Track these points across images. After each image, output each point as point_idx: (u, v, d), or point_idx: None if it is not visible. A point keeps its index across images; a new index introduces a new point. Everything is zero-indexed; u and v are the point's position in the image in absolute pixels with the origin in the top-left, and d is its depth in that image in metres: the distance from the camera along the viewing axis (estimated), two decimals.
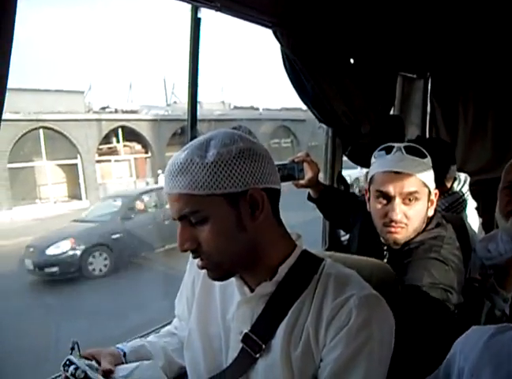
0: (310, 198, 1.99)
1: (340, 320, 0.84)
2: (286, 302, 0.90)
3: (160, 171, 17.50)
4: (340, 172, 2.46)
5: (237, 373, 0.91)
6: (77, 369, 0.86)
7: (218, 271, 0.91)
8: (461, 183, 2.13)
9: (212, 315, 1.01)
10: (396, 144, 1.45)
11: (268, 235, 0.91)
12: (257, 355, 0.89)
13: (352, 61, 2.30)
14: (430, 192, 1.45)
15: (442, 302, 1.33)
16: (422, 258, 1.40)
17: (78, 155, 16.40)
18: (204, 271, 0.93)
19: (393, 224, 1.43)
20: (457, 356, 0.90)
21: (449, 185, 2.09)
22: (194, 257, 0.91)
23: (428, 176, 1.44)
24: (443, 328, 1.32)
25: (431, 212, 1.48)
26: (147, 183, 17.63)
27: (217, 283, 0.99)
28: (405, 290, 1.29)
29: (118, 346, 1.06)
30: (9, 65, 0.84)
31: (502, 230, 1.57)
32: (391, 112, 2.85)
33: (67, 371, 0.87)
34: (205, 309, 1.02)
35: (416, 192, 1.40)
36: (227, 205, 0.85)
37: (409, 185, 1.40)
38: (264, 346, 0.89)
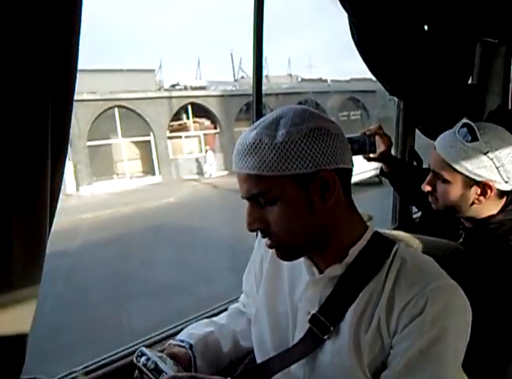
0: (382, 173, 1.92)
1: (414, 308, 0.80)
2: (356, 286, 0.87)
3: (207, 147, 17.91)
4: (413, 147, 2.35)
5: (304, 353, 0.90)
6: (148, 359, 0.91)
7: (286, 251, 0.90)
8: None
9: (280, 293, 1.00)
10: (463, 121, 1.37)
11: (338, 217, 0.88)
12: (325, 337, 0.88)
13: (426, 27, 2.15)
14: (470, 179, 1.35)
15: None
16: (502, 241, 1.31)
17: (151, 132, 17.04)
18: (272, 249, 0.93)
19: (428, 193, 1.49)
20: None
21: None
22: (263, 237, 0.90)
23: (469, 163, 1.33)
24: None
25: (479, 200, 1.37)
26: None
27: (285, 262, 0.98)
28: (483, 273, 1.22)
29: (183, 339, 1.08)
30: (78, 48, 0.86)
31: None
32: (469, 81, 2.65)
33: (139, 362, 0.92)
34: (273, 286, 1.02)
35: (439, 174, 1.41)
36: (296, 187, 0.83)
37: (436, 164, 1.42)
38: (332, 328, 0.87)
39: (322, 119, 0.85)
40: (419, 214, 2.37)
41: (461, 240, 1.47)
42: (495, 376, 1.25)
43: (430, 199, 1.49)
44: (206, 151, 18.05)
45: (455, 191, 1.39)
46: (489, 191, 1.35)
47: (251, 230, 0.89)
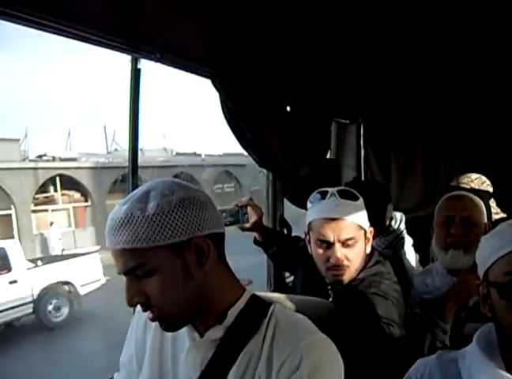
0: (256, 242, 2.01)
1: (291, 365, 0.84)
2: (236, 347, 0.89)
3: (52, 220, 16.26)
4: (282, 215, 2.51)
5: None
6: None
7: (170, 321, 0.90)
8: (398, 221, 2.20)
9: (164, 363, 0.98)
10: (330, 189, 1.51)
11: (216, 280, 0.91)
12: None
13: (288, 108, 2.40)
14: (365, 231, 1.52)
15: (384, 335, 1.38)
16: (362, 296, 1.45)
17: (12, 206, 15.64)
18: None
19: (336, 268, 1.48)
20: (414, 375, 1.02)
21: (387, 223, 2.18)
22: (144, 310, 0.89)
23: (362, 217, 1.51)
24: (387, 360, 1.36)
25: (368, 249, 1.54)
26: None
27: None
28: (350, 326, 1.32)
29: None
30: None
31: (440, 262, 1.65)
32: (328, 156, 2.97)
33: None
34: (157, 358, 1.00)
35: (353, 237, 1.47)
36: (172, 256, 0.85)
37: (346, 231, 1.46)
38: None
39: (190, 189, 0.90)
40: (292, 278, 2.49)
41: (330, 299, 1.58)
42: None
43: (337, 272, 1.49)
44: (51, 223, 15.81)
45: (362, 247, 1.51)
46: (371, 236, 1.54)
47: (131, 305, 0.88)
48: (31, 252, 15.54)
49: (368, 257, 1.56)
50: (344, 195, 1.49)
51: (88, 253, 10.93)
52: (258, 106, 2.04)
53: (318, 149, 2.64)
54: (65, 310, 9.34)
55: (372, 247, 1.57)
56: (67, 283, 9.53)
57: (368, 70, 2.37)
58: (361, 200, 1.52)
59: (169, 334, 0.98)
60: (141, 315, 1.04)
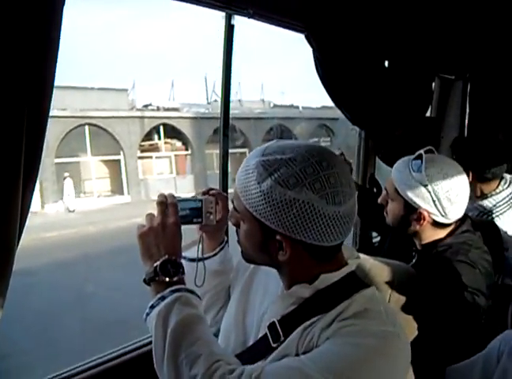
0: None
1: (340, 334, 0.83)
2: (316, 311, 0.89)
3: (66, 174, 15.42)
4: (373, 174, 2.46)
5: (255, 356, 0.92)
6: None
7: (242, 254, 0.99)
8: (507, 183, 2.11)
9: (253, 297, 1.06)
10: (420, 151, 1.48)
11: (296, 266, 0.90)
12: (275, 345, 0.90)
13: (386, 63, 2.29)
14: (409, 204, 1.49)
15: (468, 305, 1.34)
16: (447, 263, 1.40)
17: (121, 151, 16.86)
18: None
19: None
20: (498, 343, 1.12)
21: (494, 185, 2.10)
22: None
23: (406, 189, 1.49)
24: (469, 330, 1.33)
25: (413, 225, 1.50)
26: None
27: (263, 276, 1.07)
28: (430, 293, 1.30)
29: None
30: (56, 67, 0.90)
31: None
32: (427, 114, 2.81)
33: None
34: (247, 295, 1.08)
35: (388, 192, 1.58)
36: (257, 226, 0.88)
37: (388, 183, 1.60)
38: (283, 338, 0.89)
39: (323, 192, 0.82)
40: (379, 238, 2.46)
41: (413, 261, 1.55)
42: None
43: (384, 213, 1.63)
44: (65, 178, 15.50)
45: (397, 211, 1.53)
46: (423, 220, 1.47)
47: (229, 219, 0.99)
48: (136, 195, 16.86)
49: (458, 225, 1.50)
50: (416, 162, 1.48)
51: None
52: (353, 61, 1.97)
53: (417, 107, 2.49)
54: None
55: (465, 215, 1.51)
56: None
57: (481, 17, 2.15)
58: (422, 176, 1.45)
59: (263, 278, 1.07)
60: None
